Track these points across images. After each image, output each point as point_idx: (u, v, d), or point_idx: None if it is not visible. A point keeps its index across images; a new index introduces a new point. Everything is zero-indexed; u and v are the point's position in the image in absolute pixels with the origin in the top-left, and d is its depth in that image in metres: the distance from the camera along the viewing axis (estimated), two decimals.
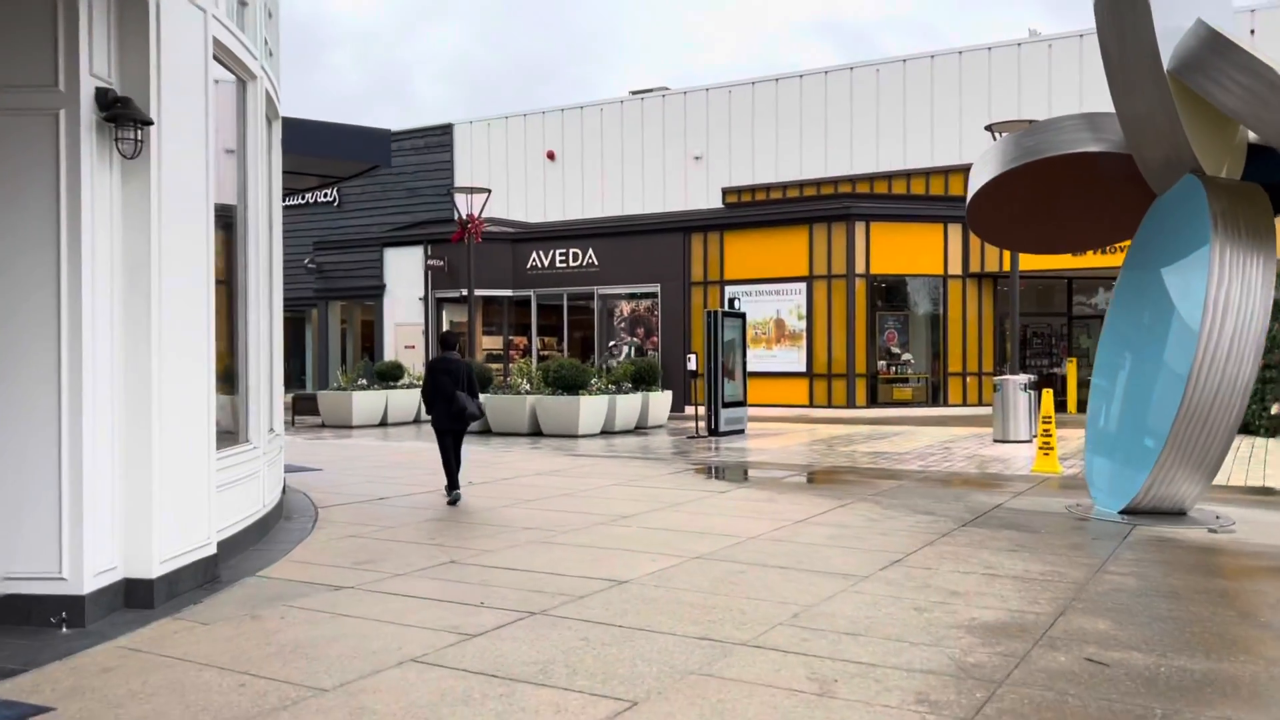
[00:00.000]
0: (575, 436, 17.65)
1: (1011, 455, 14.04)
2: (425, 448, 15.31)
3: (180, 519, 5.84)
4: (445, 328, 27.26)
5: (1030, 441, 15.65)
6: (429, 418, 10.13)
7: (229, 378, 7.43)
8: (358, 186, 31.99)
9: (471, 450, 14.95)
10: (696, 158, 26.97)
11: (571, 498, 10.01)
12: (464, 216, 21.01)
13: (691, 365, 17.68)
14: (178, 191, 5.78)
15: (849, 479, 11.54)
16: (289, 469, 12.13)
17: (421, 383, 10.01)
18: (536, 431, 18.34)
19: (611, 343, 25.48)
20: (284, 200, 11.73)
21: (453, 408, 9.56)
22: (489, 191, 21.26)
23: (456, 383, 9.58)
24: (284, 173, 10.82)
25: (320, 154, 10.68)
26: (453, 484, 9.70)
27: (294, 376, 32.96)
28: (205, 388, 6.13)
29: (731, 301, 19.03)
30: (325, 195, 32.43)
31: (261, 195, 7.53)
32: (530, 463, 13.38)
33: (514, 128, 30.08)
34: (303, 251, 31.35)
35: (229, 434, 7.44)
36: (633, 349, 25.23)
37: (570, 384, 18.14)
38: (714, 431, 17.74)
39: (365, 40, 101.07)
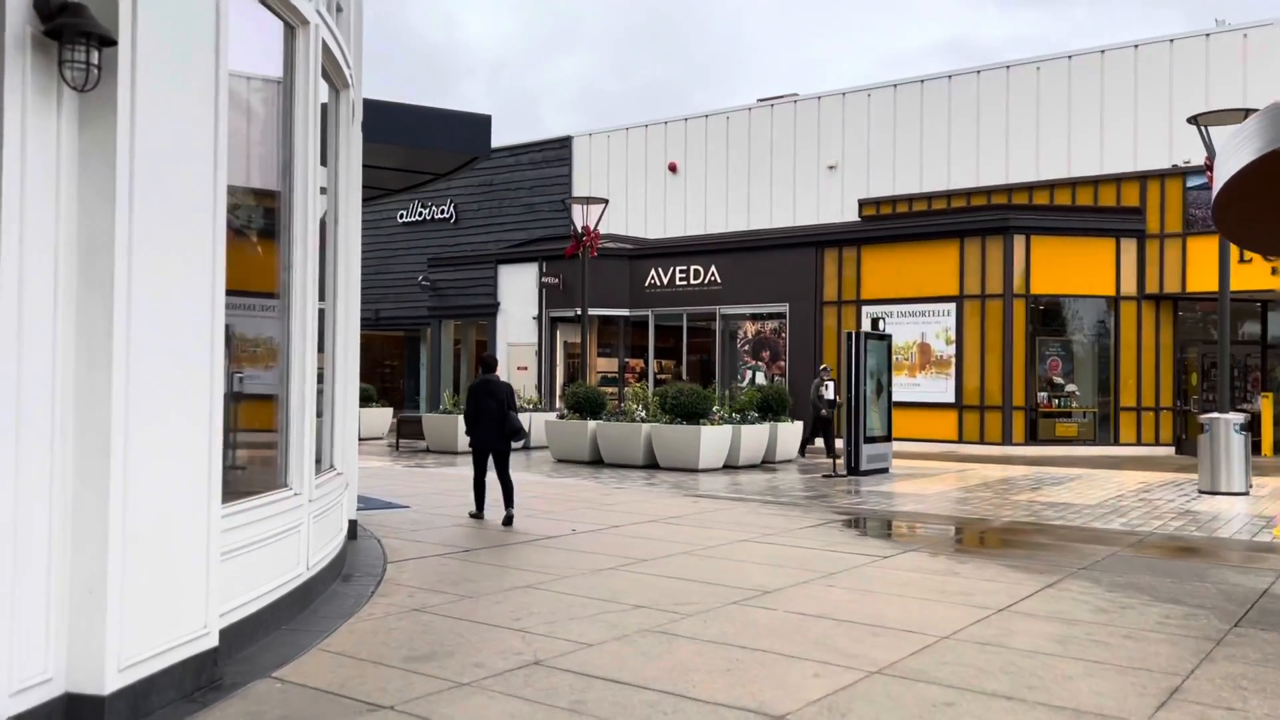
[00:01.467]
0: (694, 471, 15.74)
1: (1231, 511, 11.42)
2: (532, 481, 13.66)
3: (158, 600, 4.19)
4: (559, 348, 25.80)
5: (1246, 494, 12.93)
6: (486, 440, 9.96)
7: (259, 406, 5.84)
8: (474, 201, 31.02)
9: (580, 485, 13.25)
10: (830, 167, 24.84)
11: (694, 558, 8.09)
12: (579, 229, 19.47)
13: (829, 394, 15.54)
14: (163, 146, 4.17)
15: (1042, 542, 9.26)
16: (371, 505, 10.60)
17: (464, 406, 10.06)
18: (652, 463, 16.51)
19: (746, 364, 23.50)
20: (364, 199, 10.29)
21: (505, 428, 9.64)
22: (606, 202, 19.67)
23: (500, 405, 9.63)
24: (366, 167, 9.34)
25: (407, 142, 9.17)
26: (485, 504, 9.97)
27: (408, 397, 32.14)
28: (203, 417, 4.49)
29: (875, 321, 16.84)
30: (442, 211, 31.58)
31: (311, 174, 5.93)
32: (645, 504, 11.52)
33: (634, 139, 28.58)
34: (419, 269, 30.52)
35: (260, 477, 5.84)
36: (756, 374, 23.20)
37: (690, 411, 16.27)
38: (854, 470, 15.55)
39: (495, 69, 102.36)
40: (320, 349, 7.15)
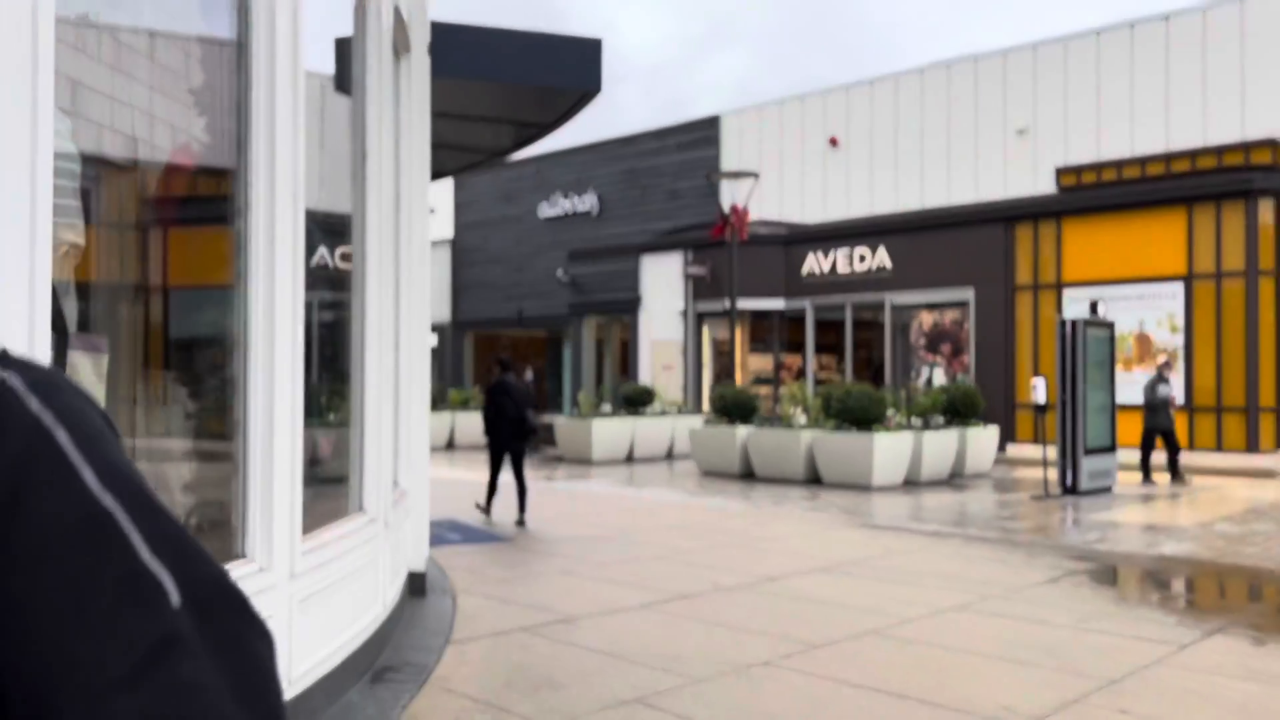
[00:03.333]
0: (867, 489, 13.05)
1: None
2: (670, 503, 11.34)
3: None
4: (706, 345, 23.42)
5: None
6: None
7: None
8: (616, 191, 29.01)
9: (727, 509, 10.84)
10: (1020, 132, 21.44)
11: (889, 642, 5.54)
12: (727, 210, 17.05)
13: (1039, 395, 12.54)
14: None
15: None
16: (468, 535, 8.53)
17: (483, 407, 9.99)
18: (814, 478, 13.92)
19: (922, 361, 20.51)
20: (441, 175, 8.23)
21: (523, 427, 9.70)
22: (755, 175, 17.15)
23: (517, 405, 9.69)
24: (442, 118, 7.25)
25: (493, 76, 7.01)
26: (494, 503, 10.05)
27: (550, 399, 30.49)
28: None
29: (1094, 306, 13.67)
30: (584, 204, 29.71)
31: (278, 95, 3.76)
32: (808, 539, 8.99)
33: (790, 113, 25.88)
34: (561, 266, 28.79)
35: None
36: (934, 371, 20.13)
37: (861, 416, 13.57)
38: (1070, 489, 12.50)
39: (654, 73, 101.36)
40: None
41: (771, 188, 24.93)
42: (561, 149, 30.39)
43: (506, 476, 9.97)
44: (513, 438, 9.68)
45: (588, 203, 29.65)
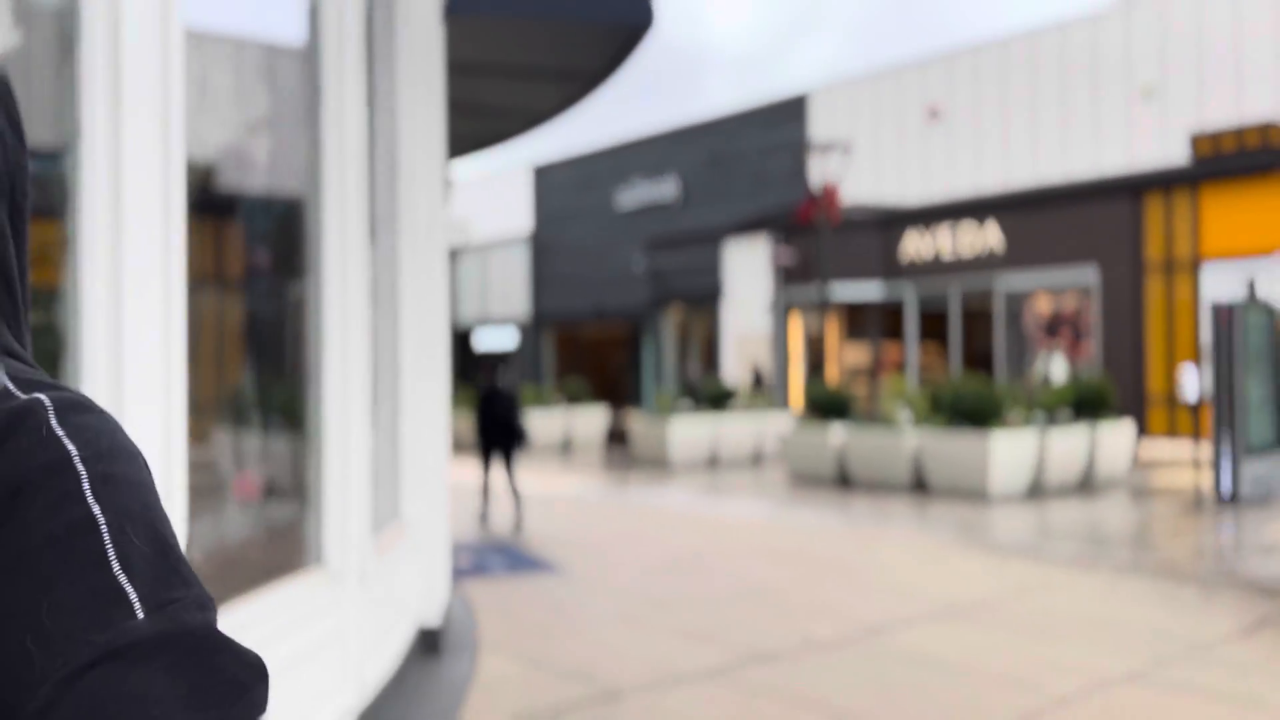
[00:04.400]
0: (983, 498, 11.39)
1: None
2: (756, 518, 9.89)
3: None
4: (794, 336, 21.81)
5: None
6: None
7: None
8: (698, 177, 27.51)
9: (821, 526, 9.27)
10: (1146, 94, 19.24)
11: None
12: (816, 188, 15.47)
13: (1189, 388, 10.67)
14: None
15: None
16: (516, 563, 7.27)
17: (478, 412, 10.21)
18: (919, 484, 12.29)
19: (1040, 350, 18.55)
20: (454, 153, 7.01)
21: (512, 427, 9.93)
22: (847, 148, 15.51)
23: (505, 410, 9.94)
24: (462, 74, 6.00)
25: (522, 10, 5.70)
26: (489, 508, 10.17)
27: (627, 397, 29.21)
28: None
29: (1252, 286, 11.69)
30: (664, 192, 28.27)
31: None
32: (917, 569, 7.45)
33: (884, 86, 24.01)
34: (639, 255, 27.45)
35: None
36: (1053, 361, 18.14)
37: (975, 413, 11.89)
38: (1230, 498, 10.61)
39: (742, 64, 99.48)
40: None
41: (865, 165, 23.14)
42: (640, 137, 29.10)
43: (509, 475, 10.07)
44: (501, 441, 10.02)
45: (668, 190, 28.22)
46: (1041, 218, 18.37)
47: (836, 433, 13.15)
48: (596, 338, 32.03)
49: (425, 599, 5.16)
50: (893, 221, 20.80)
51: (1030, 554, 8.09)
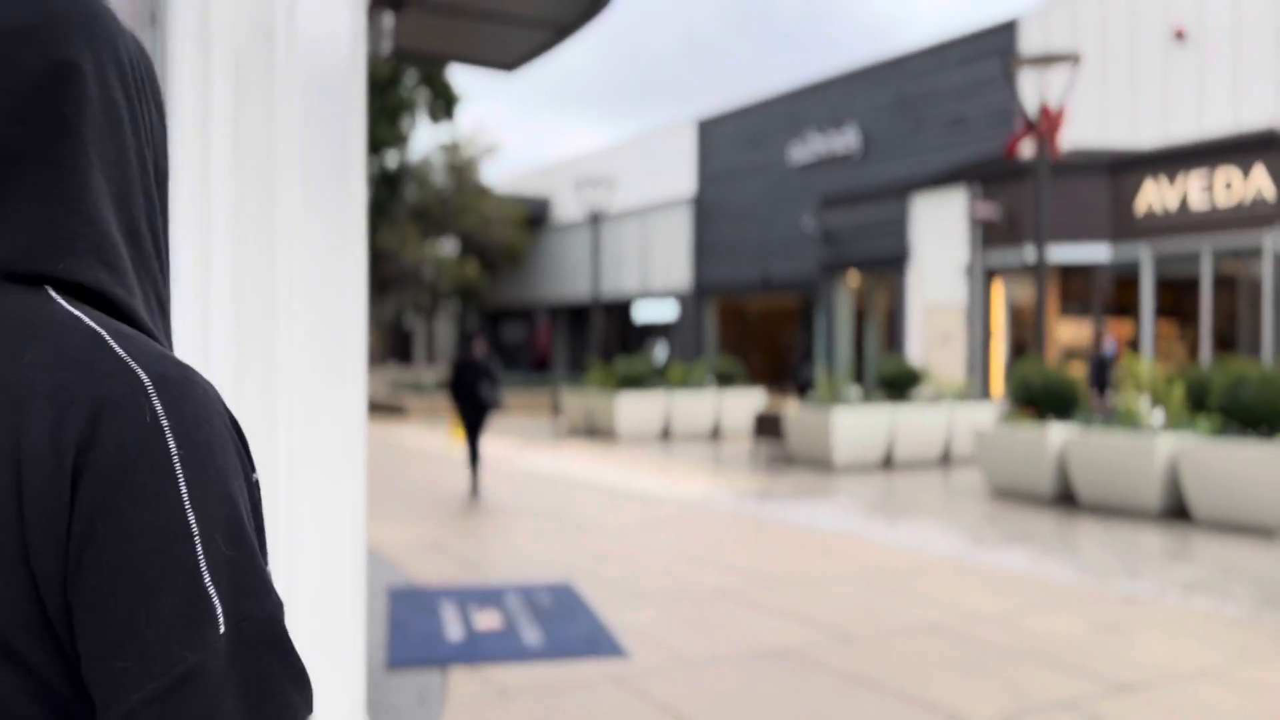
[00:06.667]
0: (1269, 534, 7.90)
1: None
2: (938, 552, 6.81)
3: None
4: (999, 308, 18.16)
5: None
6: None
7: None
8: (881, 125, 23.89)
9: (1037, 576, 5.96)
10: None
11: None
12: (1031, 115, 11.99)
13: None
14: None
15: None
16: (556, 643, 4.63)
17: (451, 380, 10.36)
18: (1175, 509, 8.88)
19: None
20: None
21: (477, 399, 10.14)
22: (1075, 59, 11.92)
23: (475, 378, 10.15)
24: None
25: None
26: (474, 474, 10.32)
27: (794, 375, 26.05)
28: None
29: None
30: (843, 144, 24.82)
31: None
32: (1213, 688, 4.31)
33: (1114, 8, 19.78)
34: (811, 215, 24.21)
35: None
36: None
37: (1258, 415, 8.38)
38: None
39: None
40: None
41: (1089, 101, 19.06)
42: (816, 80, 25.81)
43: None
44: (473, 409, 10.18)
45: (847, 141, 24.78)
46: None
47: (1057, 434, 9.83)
48: (763, 310, 29.06)
49: None
50: (1124, 167, 16.80)
51: None
